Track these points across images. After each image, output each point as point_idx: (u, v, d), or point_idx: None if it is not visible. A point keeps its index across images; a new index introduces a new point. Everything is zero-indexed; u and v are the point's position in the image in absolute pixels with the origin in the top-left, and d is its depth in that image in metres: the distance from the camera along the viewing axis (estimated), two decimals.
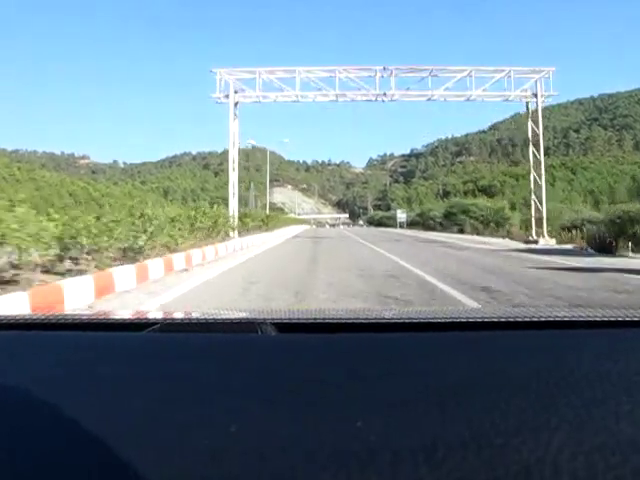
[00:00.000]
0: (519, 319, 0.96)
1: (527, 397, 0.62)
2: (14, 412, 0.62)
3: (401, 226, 68.70)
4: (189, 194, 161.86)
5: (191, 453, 0.52)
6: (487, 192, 78.17)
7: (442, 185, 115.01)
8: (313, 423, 0.58)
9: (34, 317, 1.14)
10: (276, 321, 0.97)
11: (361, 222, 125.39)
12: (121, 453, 0.52)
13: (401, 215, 73.50)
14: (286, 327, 0.95)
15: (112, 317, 1.27)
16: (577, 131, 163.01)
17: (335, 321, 1.05)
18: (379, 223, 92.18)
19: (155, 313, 1.06)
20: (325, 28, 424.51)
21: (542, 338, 0.86)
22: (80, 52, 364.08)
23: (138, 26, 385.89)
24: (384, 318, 1.11)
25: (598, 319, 0.96)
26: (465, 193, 79.40)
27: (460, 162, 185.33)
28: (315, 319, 1.05)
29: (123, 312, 1.14)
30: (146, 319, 1.08)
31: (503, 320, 0.95)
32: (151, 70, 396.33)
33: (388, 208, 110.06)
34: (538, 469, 0.48)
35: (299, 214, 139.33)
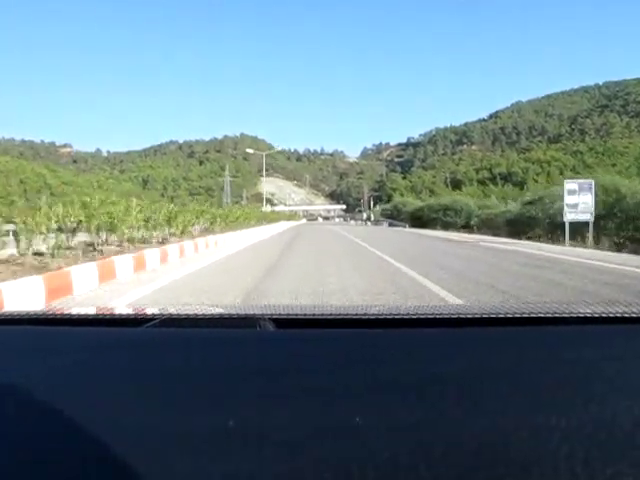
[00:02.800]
0: (517, 315, 0.96)
1: (525, 394, 0.62)
2: (15, 406, 0.61)
3: (576, 234, 18.90)
4: (170, 184, 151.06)
5: (190, 447, 0.52)
6: (508, 180, 69.08)
7: (450, 173, 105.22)
8: (312, 418, 0.58)
9: (33, 313, 1.14)
10: (275, 317, 0.97)
11: (366, 216, 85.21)
12: (121, 447, 0.52)
13: (581, 199, 18.62)
14: (285, 323, 0.95)
15: (111, 312, 1.26)
16: (586, 117, 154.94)
17: (334, 317, 1.04)
18: (418, 219, 48.74)
19: (154, 308, 1.15)
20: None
21: (539, 334, 0.86)
22: (66, 38, 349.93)
23: (125, 13, 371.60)
24: (383, 314, 1.10)
25: (596, 315, 0.96)
26: (481, 182, 68.93)
27: (461, 151, 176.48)
28: (314, 315, 1.04)
29: (122, 307, 1.12)
30: (145, 314, 1.08)
31: (502, 316, 0.95)
32: (139, 57, 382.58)
33: (389, 199, 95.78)
34: (537, 466, 0.48)
35: (289, 205, 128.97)
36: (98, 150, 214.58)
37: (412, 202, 62.19)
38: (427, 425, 0.56)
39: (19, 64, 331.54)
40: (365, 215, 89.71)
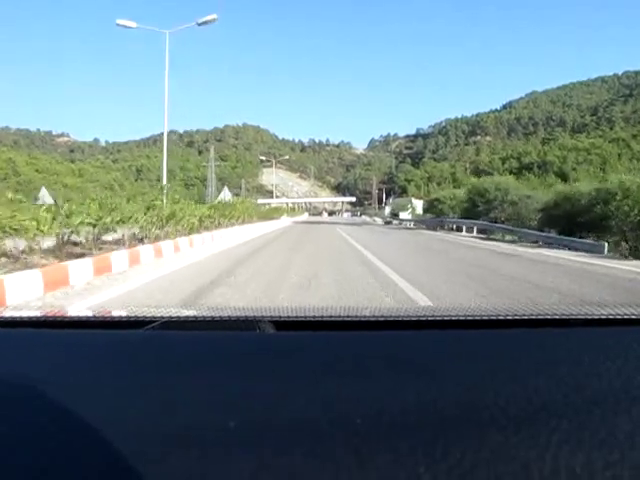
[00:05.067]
0: (517, 317, 0.96)
1: (525, 396, 0.62)
2: (14, 408, 0.62)
3: None
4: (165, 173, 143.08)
5: (191, 449, 0.52)
6: (543, 169, 61.06)
7: (470, 163, 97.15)
8: (312, 421, 0.58)
9: (34, 315, 1.13)
10: (274, 319, 0.96)
11: (390, 211, 58.80)
12: (122, 450, 0.52)
13: None
14: (284, 325, 0.94)
15: (111, 315, 1.27)
16: (608, 107, 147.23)
17: (333, 319, 1.04)
18: (570, 220, 17.76)
19: (154, 311, 1.14)
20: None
21: (539, 336, 0.86)
22: (66, 26, 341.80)
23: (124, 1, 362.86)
24: (383, 316, 1.10)
25: (596, 317, 0.96)
26: (511, 172, 60.24)
27: (475, 142, 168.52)
28: (313, 317, 1.05)
29: (122, 310, 1.21)
30: (145, 317, 1.08)
31: (502, 318, 0.96)
32: (138, 48, 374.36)
33: (403, 191, 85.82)
34: (537, 466, 0.48)
35: (292, 198, 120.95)
36: (96, 140, 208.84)
37: (520, 187, 28.38)
38: (428, 425, 0.56)
39: (17, 52, 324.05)
40: (387, 210, 59.37)
